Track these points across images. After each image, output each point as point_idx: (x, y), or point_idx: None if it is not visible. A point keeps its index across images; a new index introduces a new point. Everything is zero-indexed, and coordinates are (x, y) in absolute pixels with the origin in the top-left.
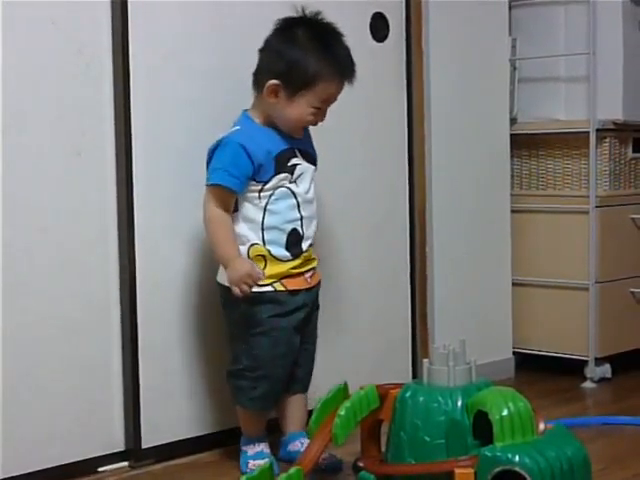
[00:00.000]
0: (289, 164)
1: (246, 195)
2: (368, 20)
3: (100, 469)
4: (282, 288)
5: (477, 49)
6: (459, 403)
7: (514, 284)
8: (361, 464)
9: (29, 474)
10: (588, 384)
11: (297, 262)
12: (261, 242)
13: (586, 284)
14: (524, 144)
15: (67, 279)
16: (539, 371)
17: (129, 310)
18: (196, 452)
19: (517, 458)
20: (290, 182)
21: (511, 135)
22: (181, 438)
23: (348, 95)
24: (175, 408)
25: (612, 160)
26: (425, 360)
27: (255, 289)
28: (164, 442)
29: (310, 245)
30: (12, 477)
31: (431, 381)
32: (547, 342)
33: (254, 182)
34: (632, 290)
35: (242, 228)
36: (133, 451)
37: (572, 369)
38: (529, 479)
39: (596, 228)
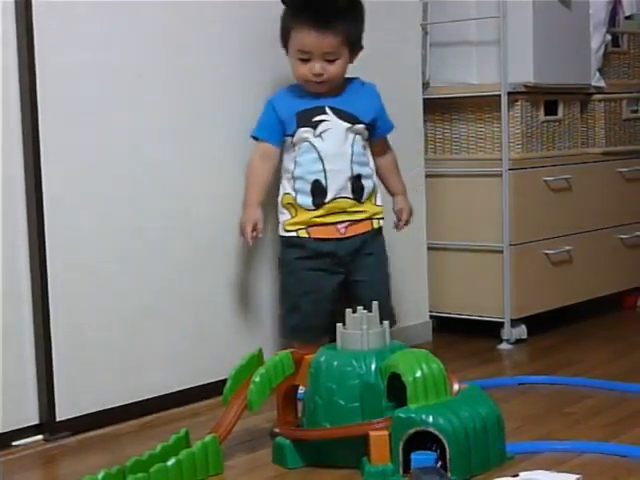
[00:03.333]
0: (313, 120)
1: (285, 148)
2: None
3: (14, 443)
4: (306, 235)
5: (388, 13)
6: (373, 366)
7: (429, 248)
8: (277, 430)
9: None
10: (504, 345)
11: (320, 212)
12: (292, 191)
13: (500, 246)
14: (437, 108)
15: None
16: (456, 334)
17: (39, 278)
18: (114, 423)
19: (431, 419)
20: (314, 136)
21: (424, 100)
22: (98, 409)
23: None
24: (91, 378)
25: (524, 123)
26: (339, 324)
27: (283, 234)
28: (80, 414)
29: (341, 198)
30: None
31: (345, 345)
32: (463, 305)
33: (285, 136)
34: (546, 252)
35: (282, 178)
36: (47, 424)
37: (489, 331)
38: (443, 439)
39: (509, 190)
